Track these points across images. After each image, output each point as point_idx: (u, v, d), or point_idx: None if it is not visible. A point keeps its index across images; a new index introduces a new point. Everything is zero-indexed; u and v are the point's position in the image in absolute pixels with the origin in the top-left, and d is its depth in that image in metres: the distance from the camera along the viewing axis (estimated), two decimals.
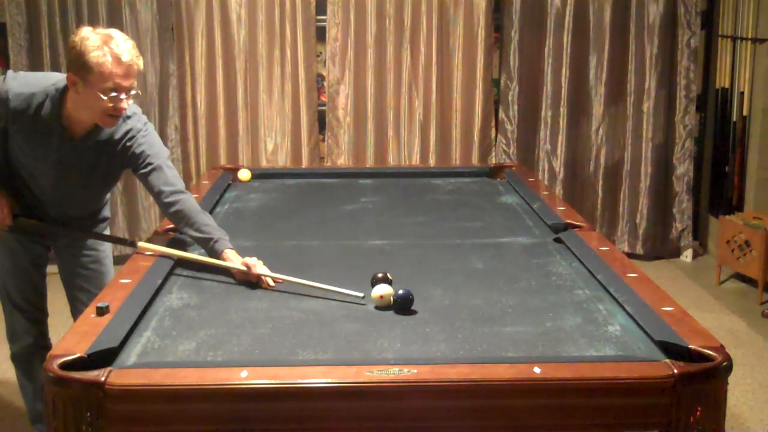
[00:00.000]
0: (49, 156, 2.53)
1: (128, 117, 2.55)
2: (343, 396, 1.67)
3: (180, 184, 2.60)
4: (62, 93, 2.45)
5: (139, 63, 2.38)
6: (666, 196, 5.29)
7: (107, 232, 2.93)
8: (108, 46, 2.31)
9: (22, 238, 2.75)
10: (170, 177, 2.58)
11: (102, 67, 2.30)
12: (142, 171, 2.57)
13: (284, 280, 2.32)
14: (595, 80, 5.15)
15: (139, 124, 2.59)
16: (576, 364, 1.76)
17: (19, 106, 2.46)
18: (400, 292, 2.11)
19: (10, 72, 2.56)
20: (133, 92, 2.40)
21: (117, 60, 2.32)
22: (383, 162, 5.17)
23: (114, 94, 2.34)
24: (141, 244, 2.58)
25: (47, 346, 2.82)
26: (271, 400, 1.67)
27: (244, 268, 2.34)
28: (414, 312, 2.10)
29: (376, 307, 2.12)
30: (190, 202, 2.58)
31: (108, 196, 2.89)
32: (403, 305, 2.10)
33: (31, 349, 2.82)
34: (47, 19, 4.91)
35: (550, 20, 5.09)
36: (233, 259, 2.40)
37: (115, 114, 2.40)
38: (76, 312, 2.82)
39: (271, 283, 2.32)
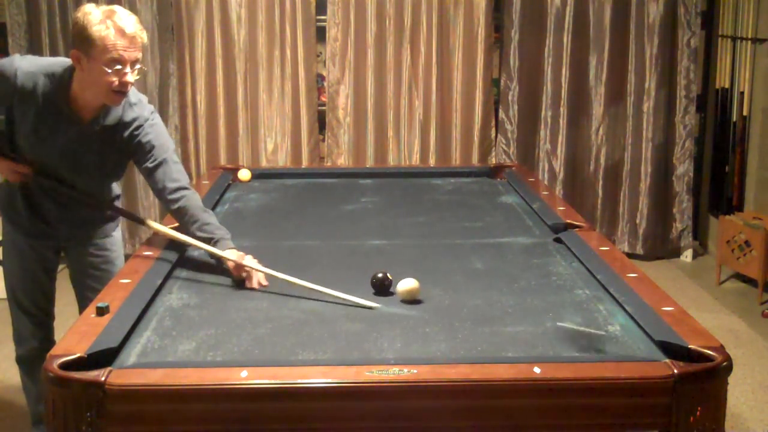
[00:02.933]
0: (56, 142, 2.50)
1: (133, 103, 2.53)
2: (343, 396, 1.67)
3: (184, 180, 2.57)
4: (70, 74, 2.43)
5: (143, 36, 2.36)
6: (666, 196, 5.29)
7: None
8: (111, 19, 2.30)
9: (34, 242, 2.73)
10: (175, 172, 2.55)
11: (105, 40, 2.28)
12: (147, 165, 2.54)
13: (297, 283, 2.27)
14: (595, 80, 5.15)
15: (146, 113, 2.56)
16: (576, 364, 1.75)
17: (27, 84, 2.44)
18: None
19: (17, 54, 2.54)
20: (138, 66, 2.38)
21: (120, 32, 2.30)
22: (383, 162, 5.17)
23: (118, 67, 2.32)
24: (150, 222, 2.59)
25: (47, 348, 2.82)
26: (271, 400, 1.66)
27: (239, 261, 2.33)
28: (414, 312, 2.10)
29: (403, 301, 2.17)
30: (193, 198, 2.55)
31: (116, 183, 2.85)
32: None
33: (37, 352, 2.80)
34: (47, 19, 4.92)
35: (550, 20, 5.10)
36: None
37: (121, 90, 2.37)
38: None
39: (264, 282, 2.32)
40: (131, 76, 2.37)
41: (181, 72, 5.10)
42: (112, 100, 2.42)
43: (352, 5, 5.03)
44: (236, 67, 5.10)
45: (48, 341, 2.83)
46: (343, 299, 2.16)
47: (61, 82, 2.43)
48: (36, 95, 2.44)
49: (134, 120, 2.53)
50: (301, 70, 5.10)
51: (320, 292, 2.20)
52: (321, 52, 5.23)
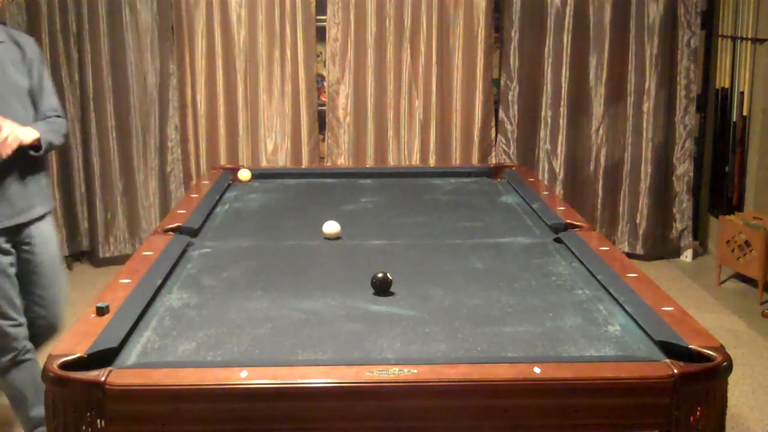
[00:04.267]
0: None
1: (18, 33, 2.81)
2: (343, 396, 1.67)
3: (60, 109, 2.87)
4: None
5: None
6: (666, 196, 5.29)
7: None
8: None
9: None
10: (55, 101, 2.85)
11: None
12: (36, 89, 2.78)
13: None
14: (595, 80, 5.15)
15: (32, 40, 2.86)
16: (576, 364, 1.76)
17: None
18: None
19: None
20: None
21: None
22: (383, 162, 5.17)
23: None
24: None
25: (30, 350, 2.79)
26: (271, 400, 1.67)
27: None
28: (414, 312, 2.10)
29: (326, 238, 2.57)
30: (59, 122, 2.83)
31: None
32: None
33: (15, 359, 2.75)
34: (47, 19, 4.91)
35: (550, 20, 5.10)
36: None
37: None
38: (32, 305, 2.83)
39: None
40: None
41: (181, 72, 5.10)
42: None
43: (352, 5, 5.03)
44: (236, 67, 5.10)
45: (23, 347, 2.77)
46: None
47: None
48: None
49: (25, 39, 2.79)
50: (301, 70, 5.10)
51: None
52: (321, 52, 5.23)
